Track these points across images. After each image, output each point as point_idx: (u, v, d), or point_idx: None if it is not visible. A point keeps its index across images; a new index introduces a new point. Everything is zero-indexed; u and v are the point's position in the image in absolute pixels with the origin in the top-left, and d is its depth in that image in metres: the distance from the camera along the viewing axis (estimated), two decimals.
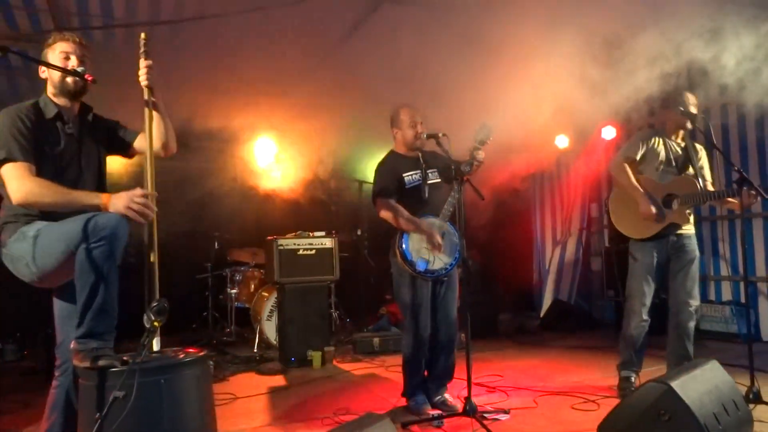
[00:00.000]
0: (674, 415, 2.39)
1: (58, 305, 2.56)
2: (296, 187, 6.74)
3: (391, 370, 4.85)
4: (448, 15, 4.40)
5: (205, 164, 6.99)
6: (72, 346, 2.23)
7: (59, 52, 2.51)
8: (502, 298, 7.33)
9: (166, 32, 4.66)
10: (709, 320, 5.94)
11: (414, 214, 3.61)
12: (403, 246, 3.56)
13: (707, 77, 3.95)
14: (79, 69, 2.49)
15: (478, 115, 3.68)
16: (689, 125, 3.83)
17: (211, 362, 4.82)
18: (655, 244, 3.82)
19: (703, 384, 2.60)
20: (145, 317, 2.20)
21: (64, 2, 4.22)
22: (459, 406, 3.54)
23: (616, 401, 3.34)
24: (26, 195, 2.31)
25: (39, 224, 2.36)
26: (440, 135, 3.55)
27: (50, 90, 2.55)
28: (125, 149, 2.77)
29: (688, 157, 3.90)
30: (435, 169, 3.78)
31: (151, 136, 2.56)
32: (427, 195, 3.68)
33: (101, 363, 2.14)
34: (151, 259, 2.43)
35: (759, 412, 3.14)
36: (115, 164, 3.26)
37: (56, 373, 2.53)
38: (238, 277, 6.36)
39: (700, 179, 3.80)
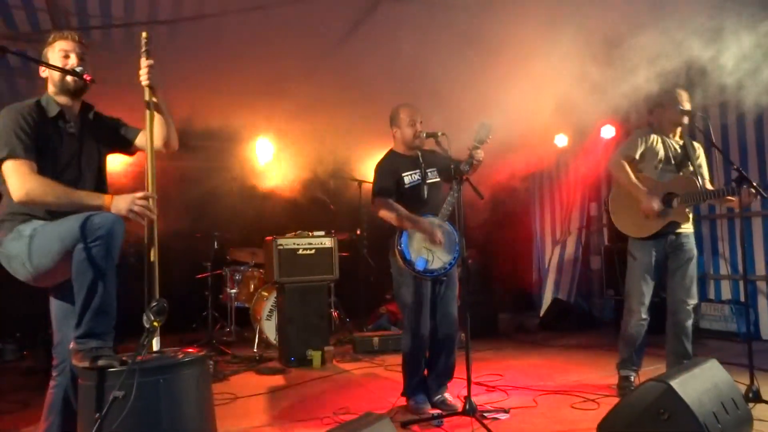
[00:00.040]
0: (674, 414, 2.39)
1: (56, 305, 2.55)
2: (296, 187, 6.74)
3: (390, 369, 4.85)
4: (448, 14, 4.39)
5: (205, 164, 7.00)
6: (71, 346, 2.23)
7: (59, 51, 2.51)
8: (501, 298, 7.34)
9: (165, 32, 4.66)
10: (708, 319, 5.95)
11: (413, 213, 3.60)
12: (402, 245, 3.56)
13: (706, 76, 3.95)
14: (78, 68, 2.49)
15: (477, 114, 3.68)
16: (686, 121, 3.83)
17: (211, 362, 4.83)
18: (654, 243, 3.82)
19: (702, 383, 2.60)
20: (144, 317, 2.20)
21: (63, 2, 4.22)
22: (459, 405, 3.53)
23: (615, 400, 3.32)
24: (28, 193, 2.30)
25: (35, 223, 2.35)
26: (439, 134, 3.56)
27: (51, 89, 2.55)
28: (127, 147, 2.77)
29: (686, 156, 3.90)
30: (434, 169, 3.78)
31: (152, 136, 2.55)
32: (426, 194, 3.69)
33: (100, 363, 2.14)
34: (151, 258, 2.42)
35: (758, 410, 3.13)
36: (116, 164, 3.26)
37: (54, 373, 2.52)
38: (237, 277, 6.35)
39: (698, 177, 3.80)
